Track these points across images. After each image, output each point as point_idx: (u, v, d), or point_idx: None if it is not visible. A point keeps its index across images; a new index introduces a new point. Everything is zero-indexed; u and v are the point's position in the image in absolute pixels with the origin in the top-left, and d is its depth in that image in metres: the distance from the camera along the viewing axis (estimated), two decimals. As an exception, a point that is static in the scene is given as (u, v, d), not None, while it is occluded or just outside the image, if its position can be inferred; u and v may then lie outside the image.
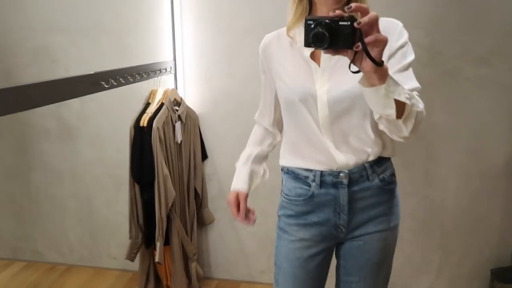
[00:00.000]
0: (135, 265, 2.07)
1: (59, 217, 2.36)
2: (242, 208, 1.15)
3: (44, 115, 2.21)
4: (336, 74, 0.96)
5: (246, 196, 1.17)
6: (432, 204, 1.98)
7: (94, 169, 2.24)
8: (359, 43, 0.71)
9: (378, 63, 0.73)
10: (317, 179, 1.03)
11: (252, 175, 1.19)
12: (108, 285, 2.27)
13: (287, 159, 1.11)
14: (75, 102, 2.15)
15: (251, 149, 1.22)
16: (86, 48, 2.07)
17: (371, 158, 1.03)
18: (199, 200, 2.11)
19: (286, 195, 1.11)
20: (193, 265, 2.03)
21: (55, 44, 2.11)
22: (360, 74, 0.78)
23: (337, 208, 1.04)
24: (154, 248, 1.86)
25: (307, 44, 0.75)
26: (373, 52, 0.72)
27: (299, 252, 1.08)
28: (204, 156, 2.10)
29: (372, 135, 1.01)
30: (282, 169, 1.15)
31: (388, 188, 1.07)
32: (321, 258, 1.09)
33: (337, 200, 1.03)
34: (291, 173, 1.10)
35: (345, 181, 1.02)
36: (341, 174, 1.02)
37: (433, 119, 1.87)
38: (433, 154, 1.91)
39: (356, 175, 1.03)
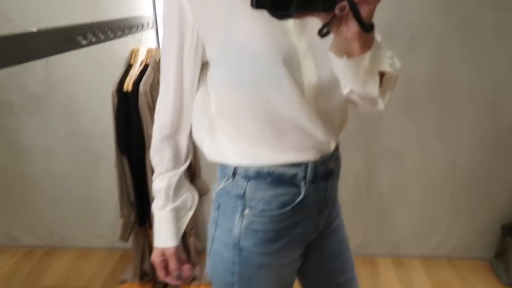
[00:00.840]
0: (123, 243, 1.87)
1: (32, 198, 2.10)
2: (173, 268, 0.84)
3: (2, 85, 1.89)
4: (314, 21, 0.56)
5: (176, 250, 0.84)
6: (444, 162, 1.87)
7: (68, 143, 1.97)
8: (345, 1, 0.50)
9: (367, 28, 0.53)
10: (310, 174, 0.75)
11: (179, 217, 0.86)
12: (96, 265, 2.08)
13: (260, 155, 0.74)
14: (38, 69, 1.83)
15: (168, 179, 0.83)
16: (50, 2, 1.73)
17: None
18: (192, 170, 1.91)
19: (262, 210, 0.75)
20: (191, 240, 1.87)
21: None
22: (330, 37, 0.56)
23: (321, 206, 0.81)
24: (149, 227, 1.68)
25: (258, 5, 0.49)
26: (363, 12, 0.52)
27: (285, 279, 0.85)
28: (195, 121, 1.88)
29: (347, 110, 0.80)
30: (235, 174, 0.76)
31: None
32: (297, 265, 0.88)
33: (324, 196, 0.80)
34: (269, 176, 0.74)
35: (335, 167, 0.80)
36: (331, 160, 0.78)
37: (447, 72, 1.71)
38: (446, 110, 1.77)
39: (338, 157, 0.82)
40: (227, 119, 0.75)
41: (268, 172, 0.74)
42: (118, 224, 1.62)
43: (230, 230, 0.77)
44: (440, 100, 1.76)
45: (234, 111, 0.73)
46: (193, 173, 1.92)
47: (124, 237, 1.61)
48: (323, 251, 0.91)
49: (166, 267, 0.86)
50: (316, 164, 0.75)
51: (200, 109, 0.78)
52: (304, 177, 0.75)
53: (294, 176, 0.74)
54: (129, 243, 1.81)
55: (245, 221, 0.76)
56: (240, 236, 0.77)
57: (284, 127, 0.71)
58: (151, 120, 1.48)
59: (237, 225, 0.77)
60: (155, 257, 0.85)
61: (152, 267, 1.86)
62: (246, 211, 0.76)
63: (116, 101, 1.47)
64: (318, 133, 0.72)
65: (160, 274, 0.86)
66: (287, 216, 0.76)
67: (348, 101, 0.76)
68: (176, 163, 0.83)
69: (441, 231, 2.01)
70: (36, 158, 2.00)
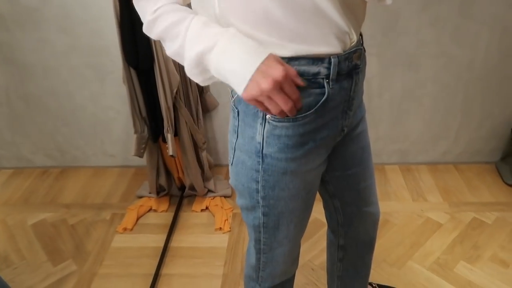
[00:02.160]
0: (136, 160, 1.89)
1: (39, 118, 2.07)
2: (290, 89, 0.63)
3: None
4: None
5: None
6: (459, 65, 1.81)
7: (69, 60, 1.88)
8: None
9: None
10: (333, 71, 0.68)
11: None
12: (111, 183, 2.12)
13: (278, 47, 0.65)
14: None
15: (198, 17, 0.67)
16: None
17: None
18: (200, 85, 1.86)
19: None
20: (204, 154, 1.88)
21: None
22: None
23: (346, 106, 0.76)
24: (163, 141, 1.67)
25: None
26: None
27: (310, 183, 0.82)
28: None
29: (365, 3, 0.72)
30: None
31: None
32: (322, 169, 0.86)
33: (348, 96, 0.75)
34: None
35: (359, 63, 0.73)
36: (355, 54, 0.71)
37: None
38: (467, 7, 1.67)
39: (362, 51, 0.75)
40: (233, 9, 0.64)
41: None
42: (132, 140, 1.61)
43: (252, 138, 0.74)
44: (460, -2, 1.65)
45: None
46: (201, 88, 1.87)
47: (139, 152, 1.61)
48: (346, 157, 0.90)
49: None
50: (340, 59, 0.69)
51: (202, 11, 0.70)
52: (328, 75, 0.69)
53: (317, 74, 0.68)
54: (142, 160, 1.82)
55: (267, 127, 0.71)
56: (263, 143, 0.73)
57: (302, 8, 0.62)
58: (157, 29, 1.40)
59: (259, 132, 0.72)
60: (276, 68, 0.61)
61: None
62: (268, 116, 0.70)
63: (118, 9, 1.36)
64: (340, 20, 0.65)
65: (276, 102, 0.62)
66: (311, 120, 0.72)
67: None
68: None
69: (450, 137, 2.03)
70: (37, 77, 1.93)
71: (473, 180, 1.99)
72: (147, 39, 1.37)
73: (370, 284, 1.46)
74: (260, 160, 0.75)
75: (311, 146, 0.75)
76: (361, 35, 0.77)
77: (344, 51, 0.69)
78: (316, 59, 0.67)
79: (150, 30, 0.70)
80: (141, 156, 1.63)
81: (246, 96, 0.62)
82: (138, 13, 0.72)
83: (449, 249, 1.62)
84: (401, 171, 2.08)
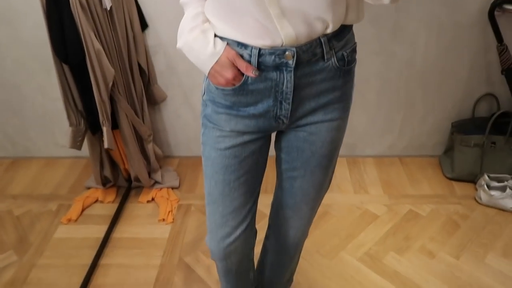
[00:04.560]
0: (88, 151, 1.89)
1: (-13, 109, 2.07)
2: (243, 64, 0.78)
3: None
4: None
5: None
6: (400, 62, 1.85)
7: (14, 52, 1.88)
8: None
9: None
10: (254, 59, 0.77)
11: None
12: (62, 174, 2.14)
13: (215, 26, 0.80)
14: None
15: (195, 7, 0.83)
16: None
17: (329, 30, 0.76)
18: (146, 77, 1.87)
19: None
20: (150, 146, 1.90)
21: None
22: None
23: (278, 96, 0.81)
24: (102, 135, 1.68)
25: None
26: None
27: (229, 140, 0.86)
28: (144, 25, 1.78)
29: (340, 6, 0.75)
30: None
31: (347, 69, 0.83)
32: (257, 146, 0.89)
33: (278, 87, 0.80)
34: None
35: (291, 62, 0.76)
36: (286, 53, 0.75)
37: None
38: (404, 6, 1.70)
39: (307, 54, 0.77)
40: None
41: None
42: (67, 133, 1.62)
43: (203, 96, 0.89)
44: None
45: None
46: (147, 81, 1.88)
47: (75, 145, 1.62)
48: (289, 148, 0.92)
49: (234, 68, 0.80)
50: (263, 52, 0.76)
51: None
52: (249, 61, 0.78)
53: (242, 57, 0.78)
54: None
55: (206, 81, 0.86)
56: (204, 90, 0.88)
57: (234, 3, 0.74)
58: (87, 22, 1.40)
59: (203, 81, 0.87)
60: (224, 60, 0.78)
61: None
62: (207, 81, 0.86)
63: (44, 1, 1.36)
64: (268, 18, 0.72)
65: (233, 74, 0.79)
66: (231, 94, 0.82)
67: None
68: None
69: (395, 131, 2.07)
70: (-20, 68, 1.92)
71: (415, 173, 2.05)
72: (75, 33, 1.38)
73: None
74: (204, 105, 0.89)
75: (234, 113, 0.84)
76: (332, 46, 0.79)
77: (271, 47, 0.76)
78: (240, 44, 0.78)
79: None
80: (78, 148, 1.65)
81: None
82: None
83: (381, 241, 1.68)
84: (348, 164, 2.13)
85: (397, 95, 1.95)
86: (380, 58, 1.84)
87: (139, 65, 1.79)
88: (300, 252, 1.22)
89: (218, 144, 0.87)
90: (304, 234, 1.09)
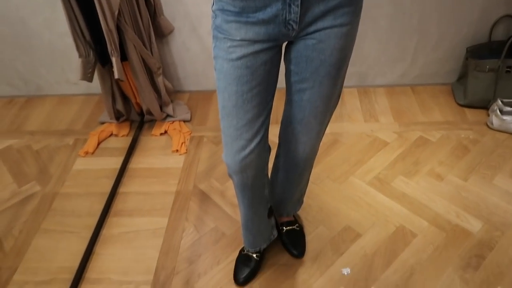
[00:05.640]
0: (99, 87, 1.91)
1: (-3, 47, 2.07)
2: None
3: None
4: None
5: None
6: (414, -18, 1.76)
7: (17, -17, 1.84)
8: None
9: None
10: None
11: None
12: (75, 110, 2.17)
13: None
14: None
15: None
16: None
17: None
18: (152, 7, 1.83)
19: None
20: (160, 79, 1.90)
21: None
22: None
23: None
24: (112, 66, 1.69)
25: None
26: None
27: (240, 50, 0.86)
28: (147, -50, 1.71)
29: None
30: None
31: None
32: (268, 56, 0.88)
33: None
34: None
35: None
36: None
37: None
38: None
39: None
40: None
41: None
42: (77, 64, 1.62)
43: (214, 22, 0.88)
44: None
45: None
46: (153, 12, 1.84)
47: (86, 77, 1.63)
48: (298, 58, 0.91)
49: None
50: None
51: None
52: None
53: None
54: (101, 87, 1.85)
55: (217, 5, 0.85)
56: (213, 1, 0.86)
57: None
58: None
59: (214, 2, 0.85)
60: None
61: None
62: None
63: None
64: None
65: None
66: None
67: None
68: None
69: (407, 59, 2.03)
70: (-16, 1, 1.90)
71: (426, 101, 2.03)
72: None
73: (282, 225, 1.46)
74: (214, 16, 0.88)
75: (244, 20, 0.82)
76: None
77: None
78: None
79: None
80: (89, 80, 1.66)
81: None
82: None
83: (390, 165, 1.71)
84: (359, 94, 2.11)
85: (410, 21, 1.88)
86: (394, -21, 1.75)
87: (144, -6, 1.75)
88: (310, 171, 1.26)
89: (230, 55, 0.87)
90: (312, 150, 1.11)
